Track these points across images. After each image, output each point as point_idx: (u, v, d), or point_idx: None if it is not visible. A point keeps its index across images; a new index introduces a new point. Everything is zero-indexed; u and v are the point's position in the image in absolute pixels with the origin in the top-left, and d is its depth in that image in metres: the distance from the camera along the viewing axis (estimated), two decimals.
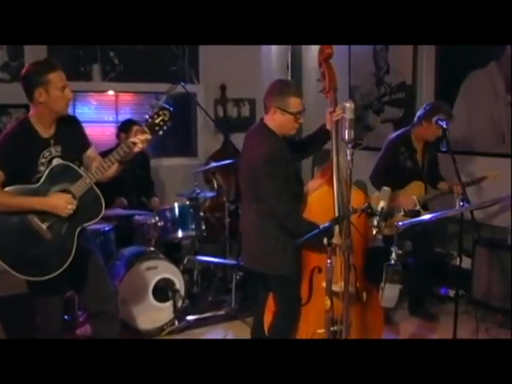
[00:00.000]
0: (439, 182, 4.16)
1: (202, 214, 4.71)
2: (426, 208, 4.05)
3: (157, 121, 2.70)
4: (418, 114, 4.07)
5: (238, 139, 6.39)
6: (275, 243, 2.96)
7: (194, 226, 4.55)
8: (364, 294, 3.09)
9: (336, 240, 2.66)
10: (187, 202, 4.68)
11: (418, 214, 3.94)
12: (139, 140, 2.69)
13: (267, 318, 3.13)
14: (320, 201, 3.04)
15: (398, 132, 4.24)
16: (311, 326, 2.99)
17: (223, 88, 6.34)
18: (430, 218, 2.74)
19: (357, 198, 3.00)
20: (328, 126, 3.08)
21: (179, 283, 4.07)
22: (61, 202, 2.68)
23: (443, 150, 3.88)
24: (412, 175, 4.09)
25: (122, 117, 5.89)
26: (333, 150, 3.00)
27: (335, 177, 2.95)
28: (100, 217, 2.80)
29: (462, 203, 3.40)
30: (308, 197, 3.08)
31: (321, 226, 2.53)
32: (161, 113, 2.71)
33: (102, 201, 2.80)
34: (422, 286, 4.37)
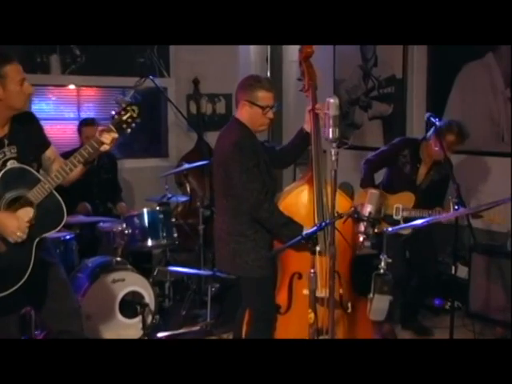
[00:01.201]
0: (435, 207, 4.05)
1: (173, 220, 4.72)
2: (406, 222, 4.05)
3: (124, 117, 2.71)
4: (435, 127, 3.97)
5: (213, 138, 6.39)
6: (246, 242, 3.05)
7: (164, 234, 4.56)
8: (349, 304, 3.14)
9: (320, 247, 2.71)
10: (157, 208, 4.68)
11: (397, 223, 3.97)
12: (105, 139, 2.69)
13: (245, 331, 3.16)
14: (299, 200, 3.13)
15: (410, 137, 4.45)
16: (292, 337, 3.00)
17: (196, 82, 6.34)
18: (422, 222, 2.78)
19: (341, 202, 3.05)
20: (306, 127, 3.20)
21: (149, 297, 4.07)
22: (12, 226, 2.62)
23: (436, 149, 3.95)
24: (406, 183, 4.13)
25: (85, 114, 5.88)
26: (312, 149, 3.11)
27: (315, 177, 3.04)
28: (61, 226, 2.78)
29: (456, 207, 3.47)
30: (286, 196, 3.17)
31: (303, 233, 2.56)
32: (129, 109, 2.72)
33: (64, 208, 2.76)
34: (415, 297, 4.42)
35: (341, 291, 3.12)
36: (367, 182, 4.13)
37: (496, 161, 4.58)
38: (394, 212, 3.99)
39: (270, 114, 3.11)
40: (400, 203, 4.02)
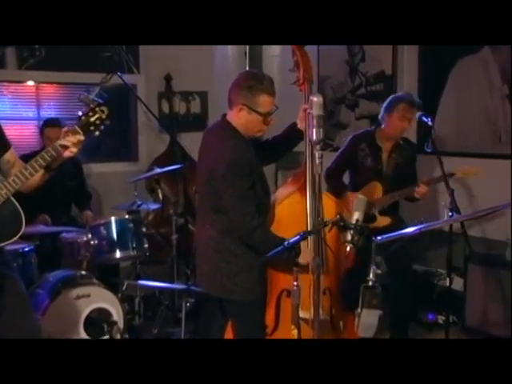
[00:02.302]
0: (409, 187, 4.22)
1: (144, 229, 4.70)
2: (387, 214, 4.14)
3: (92, 119, 2.71)
4: (383, 105, 4.28)
5: (187, 140, 6.47)
6: (236, 262, 3.01)
7: (134, 245, 4.54)
8: (341, 323, 3.15)
9: (303, 259, 2.72)
10: (126, 216, 4.67)
11: (374, 218, 4.01)
12: (70, 142, 2.68)
13: None
14: (291, 211, 3.10)
15: (359, 131, 4.53)
16: None
17: (168, 79, 6.34)
18: (414, 230, 2.79)
19: (330, 207, 3.07)
20: (300, 125, 3.16)
21: (117, 314, 4.05)
22: None
23: (428, 150, 3.99)
24: (372, 175, 4.27)
25: (45, 113, 5.85)
26: (306, 152, 3.05)
27: (309, 184, 3.01)
28: (19, 235, 2.77)
29: (450, 213, 3.50)
30: (276, 207, 3.13)
31: (285, 243, 2.57)
32: (97, 110, 2.71)
33: (22, 216, 2.75)
34: (405, 312, 4.45)
35: (333, 311, 3.13)
36: (341, 190, 4.22)
37: (493, 163, 4.61)
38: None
39: (271, 121, 3.02)
40: (367, 196, 4.04)
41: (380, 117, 4.30)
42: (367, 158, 4.30)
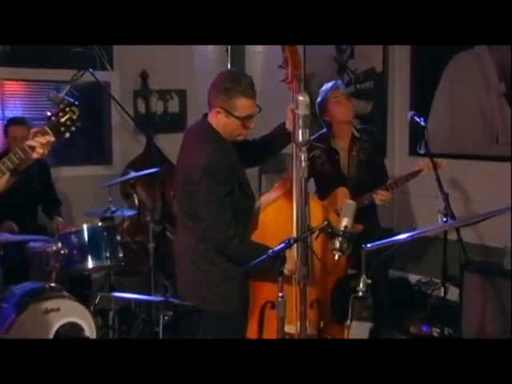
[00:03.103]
0: (380, 187, 4.09)
1: (118, 238, 4.68)
2: (363, 218, 4.11)
3: (63, 119, 2.70)
4: (318, 115, 4.18)
5: (165, 141, 6.46)
6: (215, 271, 3.02)
7: (108, 254, 4.52)
8: (329, 338, 3.15)
9: (289, 266, 2.72)
10: (99, 223, 4.64)
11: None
12: (39, 144, 2.67)
13: None
14: (276, 218, 3.11)
15: (313, 136, 4.28)
16: None
17: (144, 76, 6.32)
18: (406, 237, 2.81)
19: (318, 213, 3.08)
20: (288, 126, 3.15)
21: (89, 329, 4.03)
22: None
23: (421, 152, 4.01)
24: (335, 180, 4.14)
25: (10, 112, 5.81)
26: (294, 155, 3.05)
27: (296, 188, 3.01)
28: None
29: (445, 219, 3.52)
30: (260, 214, 3.14)
31: (269, 251, 2.57)
32: (68, 110, 2.71)
33: None
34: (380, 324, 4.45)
35: (321, 325, 3.13)
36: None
37: (490, 166, 4.66)
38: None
39: (251, 124, 3.02)
40: (335, 204, 4.03)
41: (324, 125, 4.20)
42: (325, 165, 4.18)
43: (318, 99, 4.19)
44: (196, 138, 3.07)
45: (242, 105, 2.96)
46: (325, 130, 4.24)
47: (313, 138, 4.18)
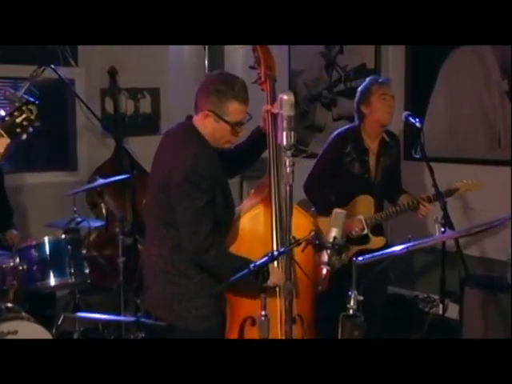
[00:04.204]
0: (399, 197, 4.22)
1: (84, 251, 4.67)
2: (378, 232, 4.15)
3: (18, 120, 2.69)
4: (355, 100, 4.20)
5: (136, 145, 6.44)
6: (188, 284, 3.02)
7: (72, 270, 4.49)
8: None
9: (274, 277, 2.73)
10: (63, 236, 4.62)
11: (367, 240, 4.05)
12: None
13: None
14: (253, 226, 3.14)
15: (343, 128, 4.36)
16: None
17: (113, 73, 6.31)
18: (401, 249, 2.81)
19: (303, 224, 3.08)
20: (263, 128, 3.22)
21: None
22: None
23: (417, 156, 4.03)
24: (360, 185, 4.17)
25: None
26: (270, 158, 3.11)
27: (274, 194, 3.05)
28: None
29: (443, 229, 3.54)
30: (237, 222, 3.15)
31: (251, 265, 2.57)
32: (24, 109, 2.70)
33: None
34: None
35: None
36: (328, 204, 3.91)
37: (492, 170, 4.67)
38: (358, 227, 4.03)
39: (241, 132, 3.06)
40: (358, 212, 4.06)
41: (356, 115, 4.22)
42: (354, 164, 4.16)
43: (362, 87, 4.18)
44: (178, 140, 3.08)
45: (234, 110, 2.99)
46: (355, 123, 4.24)
47: (343, 130, 4.28)
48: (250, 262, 2.86)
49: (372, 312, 3.97)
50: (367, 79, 4.23)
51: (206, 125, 3.03)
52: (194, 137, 3.04)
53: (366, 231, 4.04)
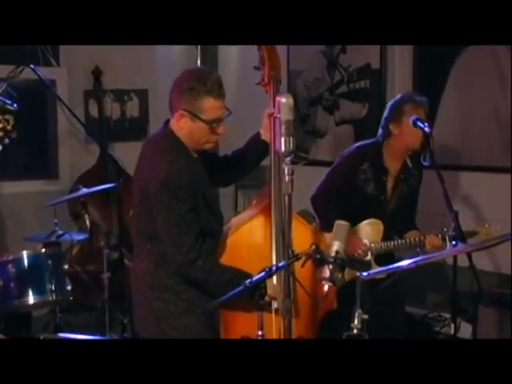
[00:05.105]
0: (408, 231, 4.17)
1: (66, 267, 4.67)
2: (379, 262, 4.10)
3: None
4: (384, 116, 4.13)
5: (122, 151, 6.42)
6: (176, 301, 3.03)
7: (53, 287, 4.50)
8: None
9: (270, 290, 2.73)
10: (42, 250, 4.62)
11: (368, 267, 4.02)
12: None
13: None
14: (251, 239, 3.14)
15: (364, 141, 4.30)
16: None
17: (98, 73, 6.32)
18: (409, 263, 2.82)
19: (304, 236, 3.10)
20: (265, 135, 3.22)
21: None
22: None
23: (425, 164, 4.03)
24: (372, 208, 4.12)
25: None
26: (272, 166, 3.10)
27: (274, 205, 3.05)
28: None
29: (454, 242, 3.53)
30: (230, 236, 3.16)
31: (247, 281, 2.58)
32: (0, 118, 2.71)
33: None
34: None
35: None
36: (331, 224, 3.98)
37: (507, 179, 4.66)
38: (361, 251, 4.02)
39: (220, 129, 3.05)
40: (366, 238, 4.05)
41: (381, 131, 4.13)
42: (369, 184, 4.11)
43: (394, 102, 4.10)
44: (155, 147, 3.10)
45: (209, 106, 2.99)
46: (377, 138, 4.16)
47: (363, 144, 4.23)
48: (243, 273, 2.91)
49: (388, 334, 4.06)
50: (400, 95, 4.17)
51: (182, 126, 3.03)
52: (170, 143, 3.05)
53: (368, 257, 4.03)
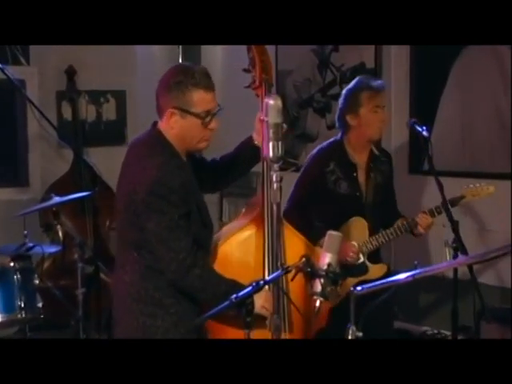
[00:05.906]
0: (395, 222, 4.18)
1: (36, 282, 4.65)
2: (376, 259, 4.14)
3: None
4: (339, 106, 4.14)
5: (98, 157, 6.42)
6: (163, 315, 3.03)
7: (22, 304, 4.49)
8: None
9: (264, 301, 2.74)
10: (11, 264, 4.61)
11: (364, 269, 4.04)
12: None
13: None
14: (242, 250, 3.16)
15: (324, 143, 4.33)
16: None
17: (71, 73, 6.32)
18: (406, 277, 2.83)
19: (296, 246, 3.12)
20: (257, 140, 3.23)
21: None
22: None
23: (424, 169, 4.05)
24: (350, 207, 4.14)
25: None
26: (264, 173, 3.12)
27: (266, 214, 3.06)
28: None
29: (454, 254, 3.55)
30: (220, 247, 3.17)
31: (232, 297, 2.58)
32: None
33: None
34: None
35: None
36: (313, 233, 3.76)
37: (508, 185, 4.68)
38: (352, 255, 4.03)
39: (213, 124, 3.05)
40: (350, 238, 4.05)
41: (338, 123, 4.17)
42: (340, 183, 4.12)
43: (348, 91, 4.10)
44: (142, 151, 3.10)
45: (200, 98, 3.00)
46: (337, 137, 4.21)
47: (324, 144, 4.25)
48: (241, 285, 2.89)
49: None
50: (355, 80, 4.16)
51: (172, 126, 3.04)
52: (159, 146, 3.06)
53: (362, 259, 4.04)
